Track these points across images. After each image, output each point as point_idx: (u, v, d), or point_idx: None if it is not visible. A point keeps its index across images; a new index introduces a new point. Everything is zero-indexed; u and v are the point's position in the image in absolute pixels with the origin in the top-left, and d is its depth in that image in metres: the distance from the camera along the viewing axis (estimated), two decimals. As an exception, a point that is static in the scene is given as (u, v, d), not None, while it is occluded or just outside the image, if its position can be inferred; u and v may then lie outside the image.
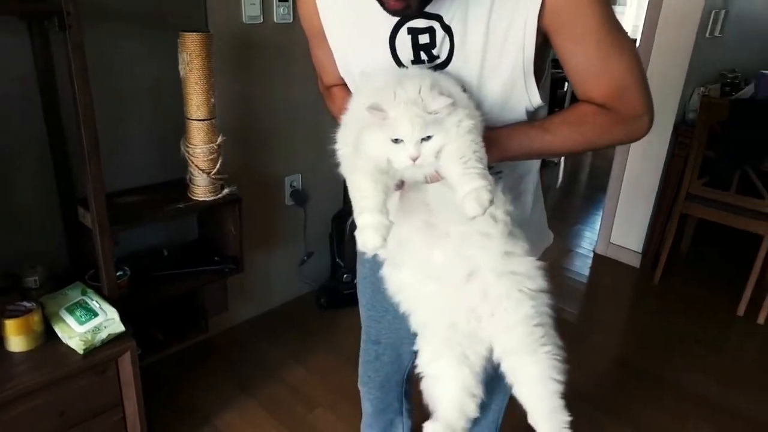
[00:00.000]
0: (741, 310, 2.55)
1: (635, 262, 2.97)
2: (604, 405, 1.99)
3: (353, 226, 2.58)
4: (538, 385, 0.86)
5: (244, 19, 1.86)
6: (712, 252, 3.16)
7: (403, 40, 0.88)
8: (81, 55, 1.25)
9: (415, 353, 0.99)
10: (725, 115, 2.39)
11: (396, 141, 0.72)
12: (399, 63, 0.90)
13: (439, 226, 0.83)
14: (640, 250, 2.95)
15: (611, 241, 3.06)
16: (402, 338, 1.25)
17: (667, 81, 2.59)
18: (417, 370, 0.97)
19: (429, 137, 0.72)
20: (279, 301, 2.44)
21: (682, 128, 2.66)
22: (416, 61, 0.89)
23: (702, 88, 2.67)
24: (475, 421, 1.24)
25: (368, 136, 0.74)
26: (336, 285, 2.49)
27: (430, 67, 0.87)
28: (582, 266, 3.02)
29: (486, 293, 0.85)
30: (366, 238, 0.73)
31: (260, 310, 2.37)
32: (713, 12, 2.57)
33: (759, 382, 2.18)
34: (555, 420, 0.86)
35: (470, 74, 0.87)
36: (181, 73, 1.56)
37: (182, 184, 1.75)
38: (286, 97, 2.11)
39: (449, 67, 0.88)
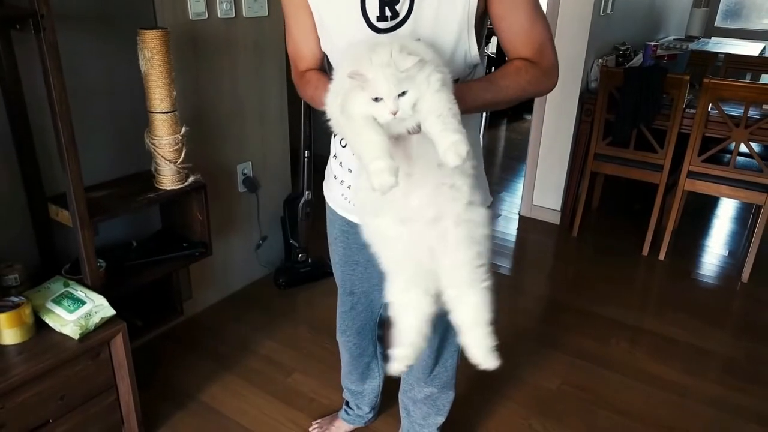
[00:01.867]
0: (645, 250, 2.97)
1: (555, 219, 3.32)
2: (541, 338, 2.31)
3: (306, 208, 2.74)
4: (475, 311, 1.01)
5: (190, 16, 1.94)
6: (618, 204, 3.60)
7: None
8: (56, 56, 1.32)
9: (384, 304, 1.12)
10: (621, 81, 2.75)
11: (376, 99, 0.84)
12: (366, 19, 1.03)
13: (415, 175, 0.96)
14: (558, 209, 3.30)
15: (533, 203, 3.39)
16: (373, 286, 1.42)
17: (572, 55, 2.92)
18: (387, 299, 1.09)
19: (404, 93, 0.84)
20: (239, 285, 2.55)
21: (586, 96, 3.00)
22: (381, 17, 1.02)
23: (600, 60, 3.03)
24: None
25: (353, 99, 0.85)
26: (292, 265, 2.63)
27: (391, 26, 1.02)
28: (511, 228, 3.34)
29: (445, 235, 0.99)
30: (383, 179, 0.82)
31: (222, 295, 2.47)
32: (604, -8, 2.94)
33: (661, 305, 2.61)
34: (484, 343, 1.01)
35: (425, 27, 1.02)
36: (142, 69, 1.64)
37: (144, 177, 1.83)
38: (232, 88, 2.21)
39: (408, 22, 1.02)
